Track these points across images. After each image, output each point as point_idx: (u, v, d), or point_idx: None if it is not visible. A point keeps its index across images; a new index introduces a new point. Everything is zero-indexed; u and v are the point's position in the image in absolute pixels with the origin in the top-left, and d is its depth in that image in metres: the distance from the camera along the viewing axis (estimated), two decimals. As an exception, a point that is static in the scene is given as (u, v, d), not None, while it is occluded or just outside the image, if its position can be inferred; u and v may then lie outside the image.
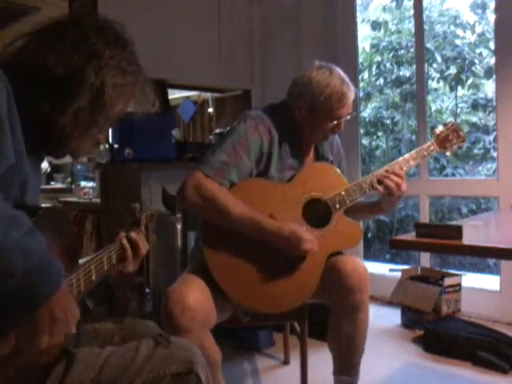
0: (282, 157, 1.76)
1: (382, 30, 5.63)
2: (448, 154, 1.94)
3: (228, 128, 1.96)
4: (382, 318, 3.06)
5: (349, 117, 1.79)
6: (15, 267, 0.74)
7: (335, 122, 1.76)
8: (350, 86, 1.75)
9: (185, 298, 1.51)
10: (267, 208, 1.67)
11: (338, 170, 1.87)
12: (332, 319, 1.78)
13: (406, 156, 1.85)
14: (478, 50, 5.31)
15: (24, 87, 0.93)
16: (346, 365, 1.79)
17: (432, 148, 1.88)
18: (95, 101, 0.99)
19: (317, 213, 1.75)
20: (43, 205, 1.05)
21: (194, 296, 1.53)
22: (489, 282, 3.37)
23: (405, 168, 1.82)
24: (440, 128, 1.93)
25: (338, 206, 1.75)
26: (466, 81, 5.37)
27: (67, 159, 1.19)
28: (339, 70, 1.77)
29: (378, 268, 4.01)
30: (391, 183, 1.75)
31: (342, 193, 1.76)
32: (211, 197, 1.59)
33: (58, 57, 0.96)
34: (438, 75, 5.45)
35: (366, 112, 5.67)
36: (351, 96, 1.75)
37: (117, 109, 1.04)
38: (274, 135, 1.74)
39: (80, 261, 1.06)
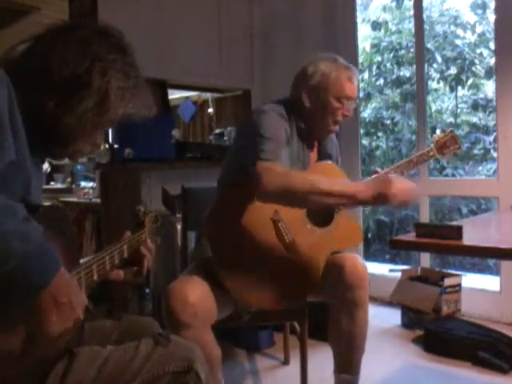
0: (292, 150, 1.76)
1: (382, 30, 5.62)
2: (444, 160, 2.00)
3: (241, 126, 1.94)
4: (381, 318, 3.06)
5: (354, 105, 1.83)
6: (13, 251, 0.74)
7: (343, 103, 1.77)
8: (354, 70, 1.83)
9: (186, 295, 1.52)
10: (272, 205, 1.66)
11: (342, 170, 1.89)
12: (331, 316, 1.78)
13: (407, 160, 1.91)
14: (478, 50, 5.30)
15: (28, 89, 0.93)
16: (347, 363, 1.80)
17: (431, 154, 1.95)
18: (100, 103, 1.00)
19: (320, 212, 1.77)
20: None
21: (194, 292, 1.54)
22: (489, 282, 3.36)
23: (405, 172, 1.88)
24: (439, 134, 2.01)
25: (340, 206, 1.76)
26: (466, 81, 5.36)
27: (67, 160, 1.20)
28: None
29: (378, 268, 4.01)
30: None
31: None
32: (287, 175, 1.55)
33: (63, 59, 0.98)
34: (438, 75, 5.45)
35: (366, 112, 5.67)
36: (357, 76, 1.83)
37: (118, 112, 1.05)
38: (288, 129, 1.74)
39: (81, 260, 1.06)
